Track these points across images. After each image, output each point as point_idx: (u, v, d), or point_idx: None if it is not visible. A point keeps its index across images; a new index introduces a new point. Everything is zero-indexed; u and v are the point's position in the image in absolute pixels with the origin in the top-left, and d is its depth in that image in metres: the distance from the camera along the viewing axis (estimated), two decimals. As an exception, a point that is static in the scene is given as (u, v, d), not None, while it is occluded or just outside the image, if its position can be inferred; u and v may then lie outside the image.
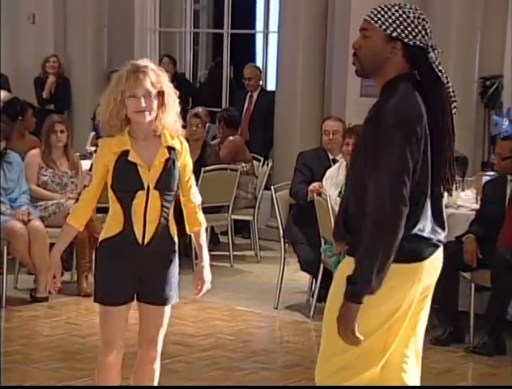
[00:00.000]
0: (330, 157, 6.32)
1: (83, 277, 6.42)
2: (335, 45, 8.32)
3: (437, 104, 2.80)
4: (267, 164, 7.93)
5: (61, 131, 6.62)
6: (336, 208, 5.59)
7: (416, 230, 2.79)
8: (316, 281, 6.04)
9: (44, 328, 5.64)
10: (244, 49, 11.08)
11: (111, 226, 3.50)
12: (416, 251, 2.81)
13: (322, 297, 5.95)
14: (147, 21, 9.99)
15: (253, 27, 11.59)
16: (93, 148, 7.78)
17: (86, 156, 7.65)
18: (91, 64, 9.82)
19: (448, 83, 2.86)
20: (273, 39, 9.39)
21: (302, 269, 6.24)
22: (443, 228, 2.90)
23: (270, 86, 9.34)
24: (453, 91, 2.87)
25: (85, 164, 7.11)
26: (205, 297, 6.28)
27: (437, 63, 2.85)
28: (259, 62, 10.15)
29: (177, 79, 8.90)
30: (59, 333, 5.50)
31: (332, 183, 5.80)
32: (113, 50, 9.84)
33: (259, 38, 11.18)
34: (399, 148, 2.70)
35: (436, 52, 2.85)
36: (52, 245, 6.40)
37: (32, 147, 6.85)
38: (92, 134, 8.11)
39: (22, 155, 6.63)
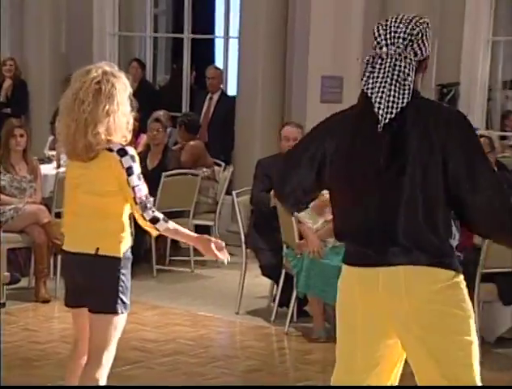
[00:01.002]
0: (290, 163, 6.34)
1: (41, 283, 6.34)
2: (296, 51, 8.36)
3: None
4: (227, 169, 7.93)
5: (21, 135, 6.54)
6: (300, 214, 5.64)
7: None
8: (277, 286, 6.05)
9: (1, 335, 5.56)
10: (204, 53, 11.09)
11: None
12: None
13: (284, 302, 5.97)
14: (105, 25, 9.93)
15: (212, 31, 11.59)
16: (51, 153, 7.72)
17: (44, 160, 7.58)
18: (48, 67, 9.73)
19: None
20: (233, 44, 9.42)
21: (263, 274, 6.24)
22: None
23: (231, 91, 9.35)
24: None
25: (44, 169, 7.05)
26: (166, 303, 6.36)
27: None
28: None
29: (144, 84, 8.89)
30: (17, 340, 5.42)
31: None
32: (72, 54, 9.76)
33: (219, 43, 11.20)
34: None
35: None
36: (10, 250, 6.42)
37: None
38: (51, 138, 8.03)
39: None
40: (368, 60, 2.81)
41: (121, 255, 3.45)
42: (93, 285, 3.45)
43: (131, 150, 3.45)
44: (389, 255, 2.78)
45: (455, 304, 2.79)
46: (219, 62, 10.26)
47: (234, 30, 9.41)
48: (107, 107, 3.38)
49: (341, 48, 8.07)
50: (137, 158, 3.46)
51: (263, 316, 6.11)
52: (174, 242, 7.86)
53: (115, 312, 3.46)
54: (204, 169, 7.65)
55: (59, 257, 6.42)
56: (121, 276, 3.44)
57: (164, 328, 5.78)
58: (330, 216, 5.64)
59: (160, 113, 8.01)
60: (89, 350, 3.51)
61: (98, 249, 3.42)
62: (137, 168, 3.43)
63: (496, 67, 9.59)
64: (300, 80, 8.27)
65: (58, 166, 7.24)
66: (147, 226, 3.46)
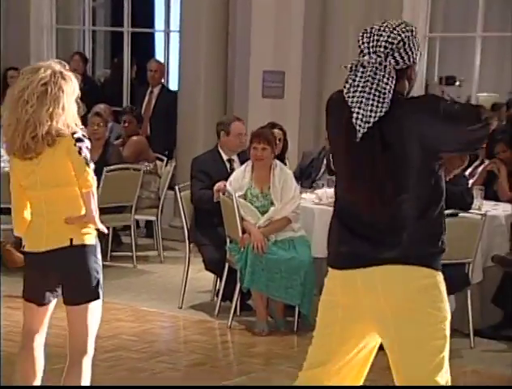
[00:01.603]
0: (225, 158, 6.33)
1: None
2: (238, 45, 8.37)
3: None
4: (170, 164, 7.90)
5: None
6: (242, 210, 5.67)
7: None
8: (220, 280, 6.06)
9: None
10: (144, 47, 11.01)
11: None
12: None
13: (227, 296, 5.99)
14: (43, 18, 9.78)
15: (151, 25, 11.51)
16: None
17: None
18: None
19: None
20: (174, 38, 9.38)
21: (207, 269, 6.24)
22: None
23: (172, 86, 9.31)
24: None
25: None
26: (108, 298, 6.26)
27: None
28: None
29: (86, 79, 8.78)
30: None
31: (237, 186, 5.82)
32: (9, 47, 9.59)
33: (158, 37, 11.14)
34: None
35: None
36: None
37: None
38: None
39: None
40: (351, 67, 2.82)
41: (94, 242, 3.46)
42: (72, 278, 3.45)
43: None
44: (368, 255, 2.81)
45: (433, 304, 2.81)
46: (159, 57, 10.22)
47: (175, 24, 9.38)
48: (50, 109, 3.34)
49: (282, 42, 8.12)
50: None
51: (206, 310, 6.11)
52: (116, 237, 7.81)
53: (97, 297, 3.50)
54: (146, 164, 7.61)
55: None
56: (97, 261, 3.48)
57: (107, 324, 5.71)
58: (277, 216, 5.70)
59: (101, 107, 7.94)
60: (74, 341, 3.52)
61: (72, 239, 3.42)
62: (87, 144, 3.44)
63: (432, 63, 9.79)
64: (242, 75, 8.29)
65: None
66: (85, 181, 3.41)
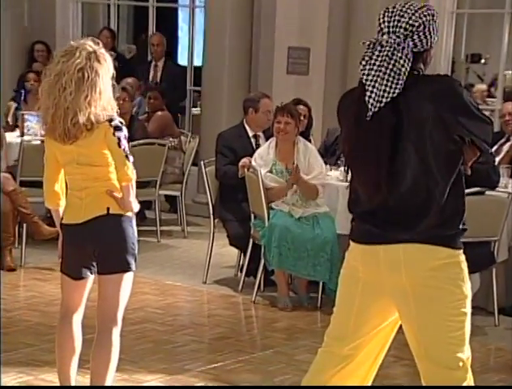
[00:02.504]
0: (251, 134, 6.33)
1: (7, 251, 6.31)
2: (263, 21, 8.35)
3: None
4: (194, 140, 7.91)
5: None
6: (270, 184, 5.69)
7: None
8: (244, 256, 6.09)
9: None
10: (168, 23, 11.00)
11: None
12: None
13: (251, 272, 6.02)
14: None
15: (176, 0, 11.49)
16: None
17: (7, 128, 7.50)
18: (10, 35, 9.55)
19: None
20: (198, 14, 9.37)
21: (231, 244, 6.27)
22: None
23: (197, 62, 9.32)
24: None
25: (8, 137, 6.98)
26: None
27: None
28: (185, 37, 10.11)
29: (116, 55, 8.82)
30: (-17, 307, 5.40)
31: (262, 162, 5.83)
32: (35, 22, 9.63)
33: (183, 12, 11.12)
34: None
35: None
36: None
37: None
38: (14, 105, 7.94)
39: None
40: (369, 44, 2.82)
41: (130, 214, 3.50)
42: (108, 245, 3.49)
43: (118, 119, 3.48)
44: (389, 233, 2.83)
45: (454, 282, 2.83)
46: (183, 32, 10.21)
47: None
48: (89, 97, 3.37)
49: (308, 19, 8.09)
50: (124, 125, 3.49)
51: (230, 285, 6.16)
52: (140, 212, 7.84)
53: (129, 269, 3.54)
54: (171, 139, 7.63)
55: (24, 225, 6.43)
56: (133, 233, 3.51)
57: (133, 297, 5.67)
58: (311, 181, 5.72)
59: (129, 81, 7.97)
60: (103, 313, 3.56)
61: (109, 208, 3.46)
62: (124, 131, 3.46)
63: (459, 40, 9.71)
64: (267, 51, 8.28)
65: (22, 134, 7.18)
66: (125, 175, 3.44)
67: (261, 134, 6.33)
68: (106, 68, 3.43)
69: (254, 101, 6.31)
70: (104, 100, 3.41)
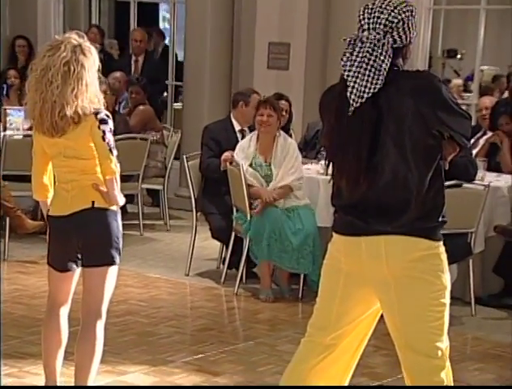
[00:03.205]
0: (237, 128, 6.38)
1: (-9, 244, 6.34)
2: (243, 17, 8.41)
3: None
4: (176, 134, 7.97)
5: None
6: (250, 179, 5.76)
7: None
8: (227, 248, 6.15)
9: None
10: (148, 18, 11.02)
11: None
12: None
13: (233, 264, 6.09)
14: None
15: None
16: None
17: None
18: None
19: None
20: (180, 9, 9.40)
21: (213, 237, 6.33)
22: None
23: (180, 57, 9.38)
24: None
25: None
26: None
27: None
28: (167, 32, 10.15)
29: (103, 51, 8.88)
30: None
31: (243, 155, 5.89)
32: (16, 16, 9.63)
33: (163, 8, 11.15)
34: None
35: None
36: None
37: None
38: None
39: None
40: (349, 41, 2.87)
41: (115, 208, 3.54)
42: (93, 239, 3.52)
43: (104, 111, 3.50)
44: (371, 225, 2.89)
45: (434, 273, 2.89)
46: (163, 27, 10.24)
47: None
48: (75, 90, 3.39)
49: (288, 14, 8.15)
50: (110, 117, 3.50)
51: (213, 278, 6.22)
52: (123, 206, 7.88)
53: (114, 263, 3.57)
54: (153, 133, 7.68)
55: (7, 219, 6.45)
56: (118, 227, 3.55)
57: (116, 289, 5.73)
58: (279, 184, 5.79)
59: (117, 75, 8.05)
60: (88, 306, 3.60)
61: (94, 202, 3.49)
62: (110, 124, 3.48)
63: (436, 36, 9.82)
64: (248, 46, 8.34)
65: (5, 129, 7.19)
66: (109, 169, 3.47)
67: (246, 129, 6.37)
68: (92, 61, 3.46)
69: (246, 95, 6.36)
70: (90, 93, 3.43)
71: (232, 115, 6.42)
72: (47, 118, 3.44)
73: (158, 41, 10.19)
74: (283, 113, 6.29)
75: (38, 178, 3.63)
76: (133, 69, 8.92)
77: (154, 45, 9.93)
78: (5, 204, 6.32)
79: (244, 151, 5.90)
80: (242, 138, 6.30)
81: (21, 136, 6.94)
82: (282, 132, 5.98)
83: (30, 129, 6.91)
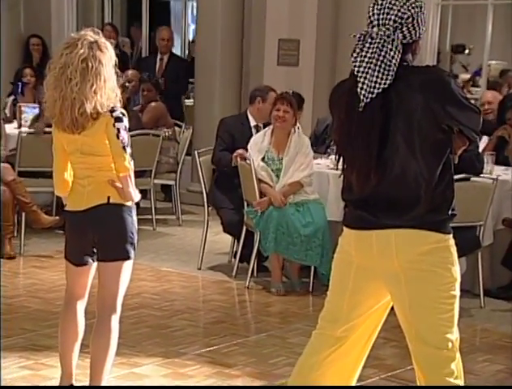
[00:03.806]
0: (252, 124, 6.43)
1: (7, 240, 6.42)
2: (253, 14, 8.48)
3: None
4: (187, 130, 8.04)
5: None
6: (261, 173, 5.83)
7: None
8: (238, 242, 6.22)
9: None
10: (160, 15, 11.11)
11: None
12: None
13: (244, 258, 6.17)
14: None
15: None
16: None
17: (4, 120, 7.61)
18: (5, 29, 9.63)
19: None
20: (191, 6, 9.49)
21: (225, 231, 6.40)
22: None
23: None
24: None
25: (7, 128, 7.11)
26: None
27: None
28: (177, 29, 10.22)
29: (119, 49, 8.98)
30: (-16, 295, 5.51)
31: (257, 149, 5.96)
32: (30, 15, 9.72)
33: (175, 5, 11.21)
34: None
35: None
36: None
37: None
38: (11, 98, 8.06)
39: None
40: (359, 37, 2.89)
41: (130, 204, 3.59)
42: (106, 234, 3.57)
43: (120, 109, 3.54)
44: (382, 219, 2.91)
45: (443, 265, 2.91)
46: (175, 24, 10.31)
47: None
48: (94, 86, 3.44)
49: (297, 11, 8.20)
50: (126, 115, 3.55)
51: (224, 271, 6.29)
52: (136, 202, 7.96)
53: (129, 257, 3.61)
54: (165, 130, 7.75)
55: (23, 214, 6.55)
56: (133, 222, 3.59)
57: (130, 283, 5.86)
58: (290, 180, 5.86)
59: (132, 73, 8.12)
60: (103, 299, 3.65)
61: (109, 197, 3.54)
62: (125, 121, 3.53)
63: (444, 31, 9.85)
64: (258, 43, 8.40)
65: (20, 126, 7.29)
66: (122, 166, 3.52)
67: (261, 125, 6.41)
68: (108, 56, 3.50)
69: (263, 92, 6.41)
70: (108, 88, 3.47)
71: (248, 110, 6.48)
72: (67, 115, 3.48)
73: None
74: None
75: (59, 175, 3.68)
76: (157, 67, 8.95)
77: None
78: (21, 199, 6.40)
79: (257, 145, 5.95)
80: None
81: (25, 134, 6.91)
82: (297, 129, 6.02)
83: (31, 125, 7.02)
